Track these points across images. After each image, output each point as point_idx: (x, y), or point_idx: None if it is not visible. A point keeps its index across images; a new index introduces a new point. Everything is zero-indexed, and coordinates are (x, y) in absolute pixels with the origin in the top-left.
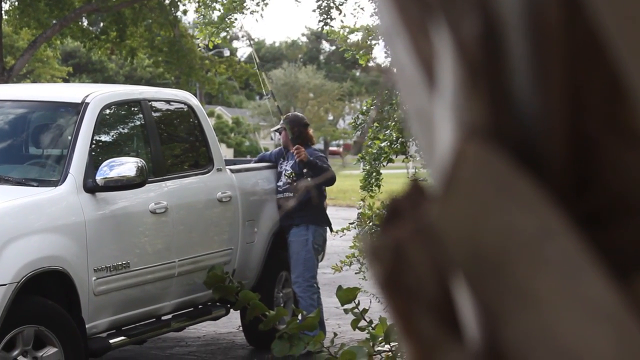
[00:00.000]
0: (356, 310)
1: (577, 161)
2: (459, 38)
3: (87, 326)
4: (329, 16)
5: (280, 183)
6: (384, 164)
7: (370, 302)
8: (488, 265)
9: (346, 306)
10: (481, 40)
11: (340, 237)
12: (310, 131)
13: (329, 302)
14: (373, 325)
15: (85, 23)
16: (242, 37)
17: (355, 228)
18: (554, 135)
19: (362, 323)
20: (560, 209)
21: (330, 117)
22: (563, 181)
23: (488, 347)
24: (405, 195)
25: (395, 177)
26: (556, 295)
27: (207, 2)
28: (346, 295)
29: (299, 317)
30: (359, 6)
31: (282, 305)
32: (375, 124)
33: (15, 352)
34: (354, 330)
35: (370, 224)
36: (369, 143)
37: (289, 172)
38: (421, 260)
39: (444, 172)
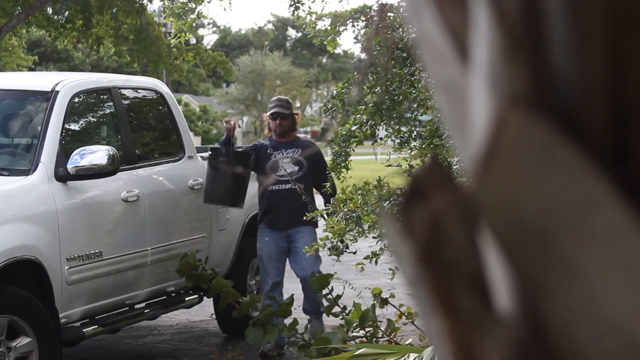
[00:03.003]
0: (330, 296)
1: (618, 129)
2: (499, 7)
3: (60, 315)
4: (299, 1)
5: (280, 172)
6: (354, 147)
7: (344, 288)
8: (531, 236)
9: (321, 292)
10: (522, 8)
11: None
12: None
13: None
14: (347, 311)
15: (50, 11)
16: (208, 24)
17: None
18: (595, 103)
19: (337, 309)
20: (605, 178)
21: (298, 104)
22: (604, 149)
23: (529, 321)
24: (426, 171)
25: (362, 164)
26: (603, 267)
27: None
28: (320, 281)
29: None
30: None
31: (254, 292)
32: (345, 107)
33: None
34: (328, 316)
35: (345, 208)
36: (339, 129)
37: (294, 171)
38: (460, 233)
39: (483, 142)
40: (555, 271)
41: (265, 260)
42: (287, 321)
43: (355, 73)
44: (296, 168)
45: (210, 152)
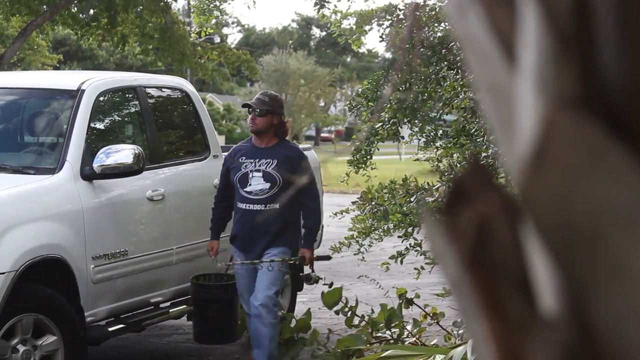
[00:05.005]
0: (346, 309)
1: None
2: (548, 7)
3: (86, 314)
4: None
5: (248, 188)
6: (377, 145)
7: (357, 299)
8: (580, 238)
9: (335, 308)
10: (572, 9)
11: (339, 219)
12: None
13: (326, 289)
14: (367, 318)
15: (76, 10)
16: (232, 23)
17: (355, 209)
18: None
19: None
20: None
21: (322, 104)
22: None
23: (576, 324)
24: (468, 172)
25: (387, 163)
26: None
27: None
28: (331, 298)
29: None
30: None
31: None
32: (370, 104)
33: (15, 341)
34: (349, 327)
35: (373, 204)
36: (363, 126)
37: (263, 189)
38: (506, 234)
39: (531, 143)
40: (604, 273)
41: (240, 284)
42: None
43: (383, 71)
44: (266, 186)
45: (191, 282)
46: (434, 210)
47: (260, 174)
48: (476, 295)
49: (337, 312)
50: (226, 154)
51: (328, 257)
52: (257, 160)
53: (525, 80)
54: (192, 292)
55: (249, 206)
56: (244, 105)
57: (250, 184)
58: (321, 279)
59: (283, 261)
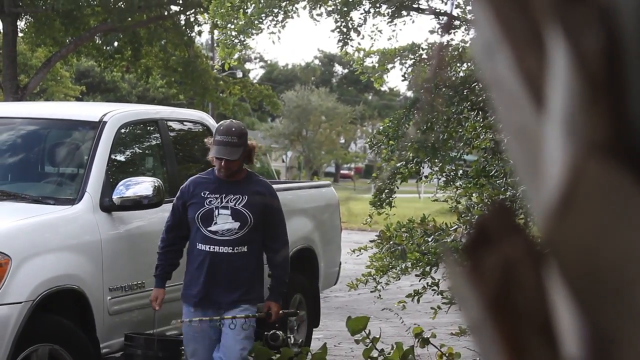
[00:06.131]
0: (367, 339)
1: None
2: (579, 52)
3: (101, 345)
4: (348, 36)
5: (213, 227)
6: (398, 184)
7: (380, 329)
8: (605, 286)
9: (357, 336)
10: (603, 54)
11: (357, 257)
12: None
13: (342, 326)
14: (386, 354)
15: (99, 42)
16: (255, 59)
17: (373, 247)
18: None
19: (374, 352)
20: None
21: (342, 140)
22: None
23: None
24: (492, 215)
25: (406, 202)
26: None
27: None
28: (356, 324)
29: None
30: (377, 28)
31: (295, 328)
32: (390, 142)
33: None
34: (366, 359)
35: (391, 243)
36: (383, 164)
37: (232, 229)
38: (530, 279)
39: (559, 189)
40: (628, 321)
41: (190, 349)
42: None
43: (404, 110)
44: (235, 225)
45: (125, 340)
46: (453, 250)
47: (228, 212)
48: (498, 340)
49: (357, 342)
50: (182, 186)
51: (296, 313)
52: (224, 195)
53: (553, 125)
54: (127, 345)
55: (213, 248)
56: (218, 159)
57: (215, 223)
58: (288, 337)
59: (246, 317)
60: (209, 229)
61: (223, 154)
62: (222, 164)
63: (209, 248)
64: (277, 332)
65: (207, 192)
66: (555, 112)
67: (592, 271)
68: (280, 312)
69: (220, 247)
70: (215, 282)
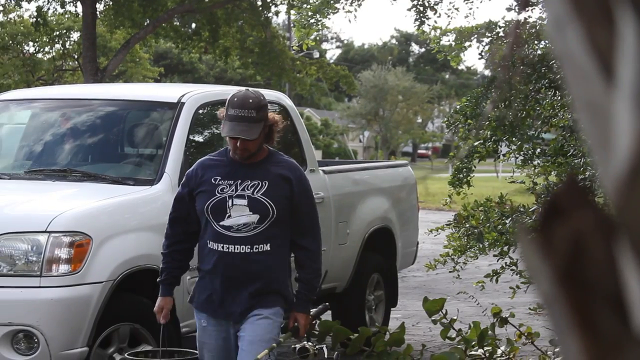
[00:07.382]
0: (444, 320)
1: None
2: None
3: (181, 324)
4: (424, 15)
5: (227, 222)
6: (476, 163)
7: (457, 310)
8: None
9: (434, 316)
10: None
11: (435, 236)
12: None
13: (419, 306)
14: (463, 333)
15: (177, 24)
16: (332, 39)
17: (450, 228)
18: None
19: (452, 332)
20: None
21: (419, 120)
22: None
23: None
24: (564, 189)
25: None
26: None
27: (297, 3)
28: (433, 306)
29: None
30: (453, 6)
31: (373, 308)
32: (468, 121)
33: (111, 350)
34: (444, 340)
35: (467, 226)
36: (460, 143)
37: (249, 223)
38: (601, 252)
39: (628, 161)
40: None
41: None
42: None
43: (482, 89)
44: (254, 218)
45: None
46: (529, 229)
47: (245, 202)
48: (569, 313)
49: (434, 322)
50: (189, 170)
51: (326, 308)
52: (239, 181)
53: (622, 98)
54: None
55: (227, 247)
56: (232, 139)
57: (229, 216)
58: (322, 347)
59: (270, 350)
60: (221, 223)
61: (238, 132)
62: (238, 144)
63: (222, 247)
64: (307, 343)
65: (219, 178)
66: (625, 85)
67: None
68: (310, 316)
69: (236, 246)
70: (231, 289)
